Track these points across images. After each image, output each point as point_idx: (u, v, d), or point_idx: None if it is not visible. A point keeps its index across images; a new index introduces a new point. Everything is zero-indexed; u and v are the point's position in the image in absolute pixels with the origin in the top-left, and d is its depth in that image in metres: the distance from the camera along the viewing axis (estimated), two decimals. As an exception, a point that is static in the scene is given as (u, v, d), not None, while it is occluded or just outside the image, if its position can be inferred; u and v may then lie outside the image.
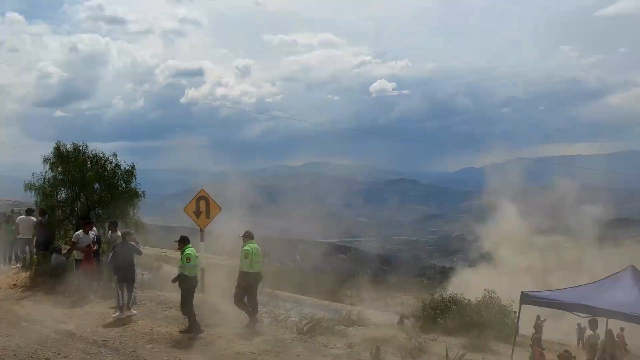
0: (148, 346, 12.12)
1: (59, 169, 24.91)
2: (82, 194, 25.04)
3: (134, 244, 14.26)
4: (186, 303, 12.91)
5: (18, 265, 18.73)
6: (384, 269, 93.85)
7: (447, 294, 24.72)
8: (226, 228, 19.57)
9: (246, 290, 13.32)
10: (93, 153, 25.51)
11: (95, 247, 15.75)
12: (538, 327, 20.58)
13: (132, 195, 25.60)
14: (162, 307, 14.93)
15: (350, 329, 18.65)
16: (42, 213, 19.53)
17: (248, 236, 13.56)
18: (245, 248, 13.32)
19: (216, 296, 15.44)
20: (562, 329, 33.36)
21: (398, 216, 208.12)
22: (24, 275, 17.26)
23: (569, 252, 49.70)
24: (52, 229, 19.65)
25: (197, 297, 13.68)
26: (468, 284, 37.84)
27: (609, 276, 14.25)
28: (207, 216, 16.95)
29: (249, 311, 13.35)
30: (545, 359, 15.10)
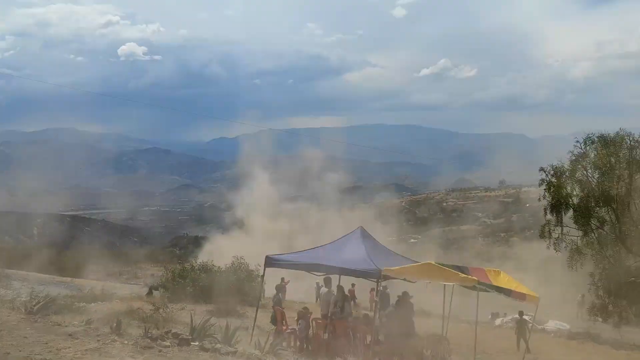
0: None
1: None
2: None
3: None
4: None
5: None
6: (134, 240, 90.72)
7: (197, 263, 24.76)
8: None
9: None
10: None
11: None
12: (280, 287, 21.68)
13: None
14: None
15: (92, 304, 17.53)
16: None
17: None
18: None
19: None
20: (304, 288, 35.92)
21: (149, 186, 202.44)
22: None
23: (312, 216, 53.44)
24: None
25: None
26: (221, 252, 38.47)
27: (341, 237, 15.50)
28: None
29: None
30: (285, 317, 15.95)
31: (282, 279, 25.81)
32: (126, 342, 9.96)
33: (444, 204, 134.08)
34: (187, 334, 10.99)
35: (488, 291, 13.19)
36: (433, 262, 13.44)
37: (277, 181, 57.01)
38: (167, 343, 10.25)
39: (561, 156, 10.17)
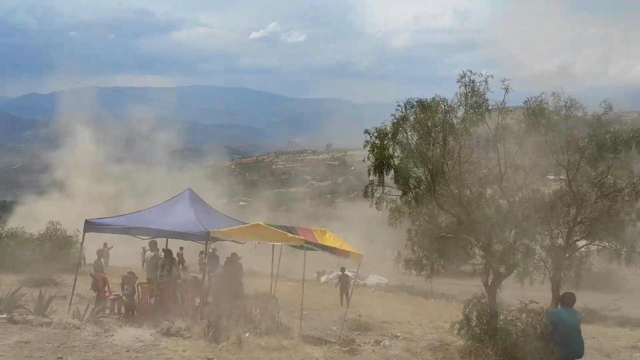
0: None
1: None
2: None
3: None
4: None
5: None
6: None
7: (4, 230, 22.50)
8: None
9: None
10: None
11: None
12: (101, 253, 20.56)
13: None
14: None
15: None
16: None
17: None
18: None
19: None
20: (131, 253, 34.51)
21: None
22: None
23: (141, 178, 51.24)
24: None
25: None
26: (37, 217, 35.40)
27: (169, 199, 14.96)
28: None
29: None
30: (107, 283, 15.16)
31: (105, 244, 24.54)
32: None
33: (274, 167, 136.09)
34: (-8, 307, 9.97)
35: (315, 250, 13.59)
36: (262, 223, 13.51)
37: (102, 141, 53.58)
38: (-33, 317, 9.19)
39: (384, 121, 10.74)
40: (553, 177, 10.97)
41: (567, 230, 10.38)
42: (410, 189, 10.53)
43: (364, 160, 10.58)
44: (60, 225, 24.64)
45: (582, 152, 10.18)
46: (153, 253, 15.41)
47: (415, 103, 10.14)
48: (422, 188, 10.58)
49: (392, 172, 10.43)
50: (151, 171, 52.43)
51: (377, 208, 10.65)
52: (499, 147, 10.06)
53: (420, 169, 10.37)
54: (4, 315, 10.19)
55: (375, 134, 10.31)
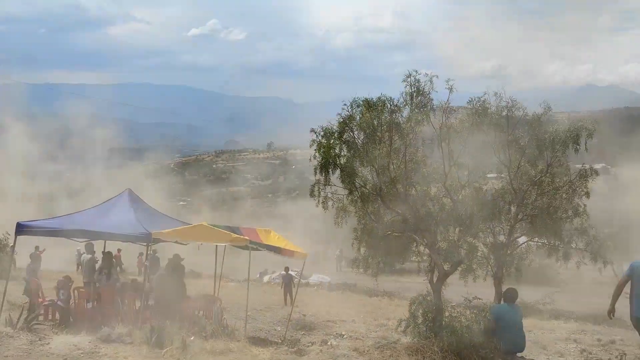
0: None
1: None
2: None
3: None
4: None
5: None
6: None
7: None
8: None
9: None
10: None
11: None
12: (34, 257, 19.67)
13: None
14: None
15: None
16: None
17: None
18: None
19: None
20: (64, 256, 33.27)
21: None
22: None
23: (77, 178, 49.52)
24: None
25: None
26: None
27: (107, 200, 14.46)
28: None
29: None
30: (41, 288, 14.51)
31: (37, 247, 23.54)
32: None
33: (214, 166, 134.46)
34: None
35: (260, 250, 13.43)
36: (205, 223, 13.24)
37: (33, 139, 51.33)
38: None
39: (325, 120, 10.72)
40: (495, 175, 11.24)
41: (508, 227, 10.65)
42: (357, 188, 10.54)
43: (310, 159, 10.52)
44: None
45: (522, 151, 10.47)
46: (89, 256, 14.86)
47: (361, 102, 10.16)
48: (368, 187, 10.61)
49: (338, 171, 10.42)
50: (87, 171, 50.77)
51: (323, 207, 10.61)
52: (443, 146, 10.21)
53: (367, 168, 10.40)
54: None
55: (322, 133, 10.26)
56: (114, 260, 15.41)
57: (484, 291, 11.61)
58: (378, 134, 10.13)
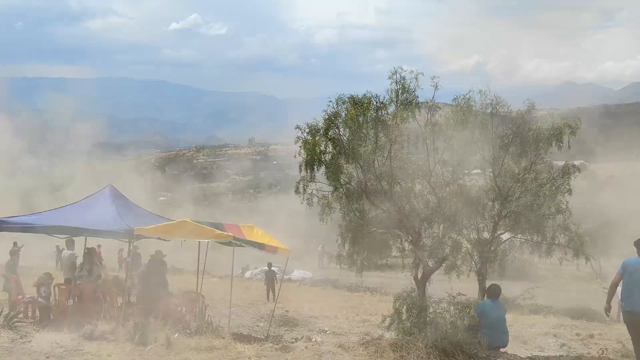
0: None
1: None
2: None
3: None
4: None
5: None
6: None
7: None
8: None
9: None
10: None
11: None
12: (13, 253, 19.43)
13: None
14: None
15: None
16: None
17: None
18: None
19: None
20: (42, 252, 32.86)
21: None
22: None
23: (57, 173, 48.90)
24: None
25: None
26: None
27: (88, 196, 14.29)
28: None
29: None
30: (21, 284, 14.30)
31: (15, 243, 23.24)
32: None
33: (195, 161, 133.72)
34: None
35: (243, 246, 13.39)
36: (189, 220, 13.14)
37: (11, 133, 50.52)
38: None
39: (308, 116, 10.70)
40: (479, 171, 11.32)
41: (492, 224, 10.74)
42: (342, 185, 10.54)
43: (295, 156, 10.49)
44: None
45: (506, 148, 10.56)
46: (70, 252, 14.67)
47: (346, 99, 10.15)
48: (353, 184, 10.62)
49: (323, 168, 10.41)
50: (66, 166, 50.11)
51: (308, 204, 10.60)
52: (428, 143, 10.25)
53: (352, 165, 10.40)
54: None
55: (307, 130, 10.24)
56: (98, 257, 15.25)
57: (468, 287, 11.70)
58: (363, 131, 10.13)
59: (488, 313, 9.90)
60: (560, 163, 11.14)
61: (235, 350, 9.47)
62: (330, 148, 10.22)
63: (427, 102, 10.13)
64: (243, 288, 24.78)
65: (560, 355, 10.43)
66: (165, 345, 9.36)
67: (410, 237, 10.47)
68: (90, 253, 14.36)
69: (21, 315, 12.75)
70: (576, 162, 11.41)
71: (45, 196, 39.83)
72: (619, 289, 8.78)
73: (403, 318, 10.33)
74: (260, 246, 13.58)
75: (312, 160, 10.22)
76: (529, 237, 10.76)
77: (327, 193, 10.73)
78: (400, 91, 9.93)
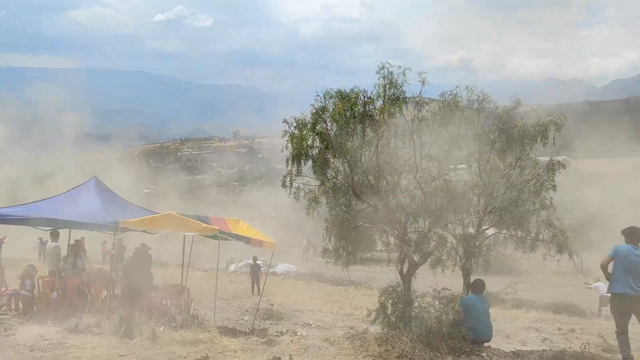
0: None
1: None
2: None
3: None
4: None
5: None
6: None
7: None
8: None
9: None
10: None
11: None
12: (-3, 245, 19.28)
13: None
14: None
15: None
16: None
17: None
18: None
19: None
20: (27, 244, 32.56)
21: None
22: None
23: (39, 165, 48.45)
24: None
25: None
26: None
27: (73, 188, 14.19)
28: None
29: None
30: (4, 277, 14.22)
31: (-4, 234, 22.98)
32: None
33: (179, 154, 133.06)
34: None
35: (229, 239, 13.38)
36: (174, 213, 13.10)
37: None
38: None
39: (293, 110, 10.67)
40: (465, 166, 11.38)
41: (477, 219, 10.82)
42: (328, 179, 10.56)
43: (282, 150, 10.48)
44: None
45: (492, 144, 10.63)
46: (54, 244, 14.57)
47: (334, 93, 10.15)
48: (340, 178, 10.64)
49: (309, 162, 10.41)
50: (50, 158, 49.62)
51: (295, 198, 10.60)
52: (415, 138, 10.29)
53: (339, 160, 10.41)
54: None
55: (294, 124, 10.23)
56: (82, 250, 15.15)
57: (452, 282, 11.81)
58: (351, 125, 10.14)
59: (472, 308, 10.02)
60: (544, 159, 11.24)
61: (221, 343, 9.49)
62: (317, 142, 10.22)
63: (414, 97, 10.16)
64: (228, 281, 24.77)
65: (543, 350, 10.56)
66: (150, 338, 9.36)
67: (396, 232, 10.51)
68: (76, 245, 14.29)
69: (4, 308, 12.67)
70: (559, 158, 11.51)
71: (28, 187, 39.42)
72: (598, 284, 9.17)
73: (388, 312, 10.40)
74: (246, 240, 13.59)
75: (299, 155, 10.22)
76: (513, 233, 10.87)
77: (313, 187, 10.74)
78: (387, 86, 9.94)
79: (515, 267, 33.25)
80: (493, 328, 10.62)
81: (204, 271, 26.83)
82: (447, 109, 10.21)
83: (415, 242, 10.58)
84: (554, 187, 10.56)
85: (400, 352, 8.91)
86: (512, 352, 10.17)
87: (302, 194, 10.70)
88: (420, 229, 10.74)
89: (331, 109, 10.15)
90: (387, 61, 9.96)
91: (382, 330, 10.24)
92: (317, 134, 10.16)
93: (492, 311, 11.16)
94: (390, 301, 10.42)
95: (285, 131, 10.32)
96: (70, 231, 14.57)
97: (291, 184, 10.46)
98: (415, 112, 10.23)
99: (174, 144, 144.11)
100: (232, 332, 12.04)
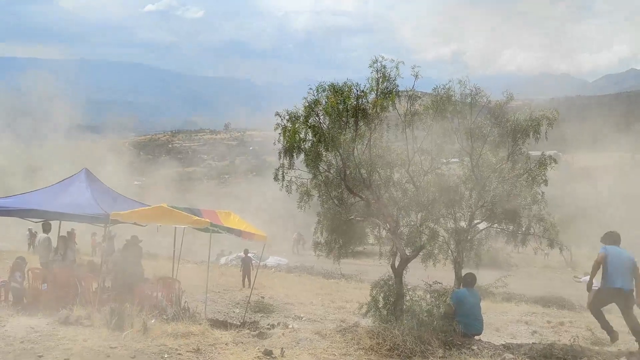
0: None
1: None
2: None
3: None
4: None
5: None
6: None
7: None
8: None
9: None
10: None
11: None
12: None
13: None
14: None
15: None
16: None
17: None
18: None
19: None
20: (16, 235, 32.38)
21: None
22: None
23: (28, 156, 48.11)
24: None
25: None
26: None
27: (63, 180, 14.10)
28: None
29: None
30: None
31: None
32: None
33: (170, 146, 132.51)
34: None
35: (220, 232, 13.35)
36: (165, 205, 13.05)
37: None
38: None
39: (285, 102, 10.64)
40: (457, 160, 11.41)
41: (469, 213, 10.87)
42: (321, 172, 10.55)
43: (274, 143, 10.44)
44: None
45: (484, 138, 10.65)
46: (45, 235, 14.48)
47: (327, 87, 10.13)
48: (332, 172, 10.64)
49: (302, 155, 10.40)
50: (39, 149, 49.29)
51: (287, 191, 10.59)
52: (407, 132, 10.30)
53: (331, 153, 10.41)
54: None
55: (287, 117, 10.20)
56: (74, 241, 15.08)
57: (443, 275, 11.86)
58: (343, 119, 10.13)
59: (464, 301, 10.08)
60: (535, 153, 11.30)
61: (212, 336, 9.48)
62: (310, 135, 10.20)
63: (407, 91, 10.16)
64: (218, 274, 24.74)
65: (532, 343, 10.64)
66: (141, 331, 9.33)
67: (388, 226, 10.53)
68: (69, 237, 14.23)
69: (-5, 299, 12.60)
70: (550, 152, 11.58)
71: (18, 178, 39.16)
72: (586, 278, 9.41)
73: (380, 305, 10.44)
74: (238, 232, 13.56)
75: (291, 148, 10.20)
76: (505, 227, 10.93)
77: (306, 180, 10.73)
78: (380, 80, 9.93)
79: (505, 260, 33.50)
80: (484, 321, 10.69)
81: (195, 264, 26.78)
82: (440, 102, 10.22)
83: (407, 235, 10.62)
84: (545, 182, 10.62)
85: (392, 345, 8.95)
86: (502, 345, 10.24)
87: (294, 187, 10.69)
88: (412, 223, 10.78)
89: (324, 102, 10.12)
90: (381, 55, 9.96)
91: (373, 323, 10.28)
92: (309, 127, 10.14)
93: (483, 304, 11.24)
94: (381, 294, 10.45)
95: (278, 124, 10.29)
96: (60, 223, 14.48)
97: (283, 177, 10.44)
98: (408, 105, 10.23)
99: (165, 135, 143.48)
100: (223, 325, 12.03)
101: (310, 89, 10.24)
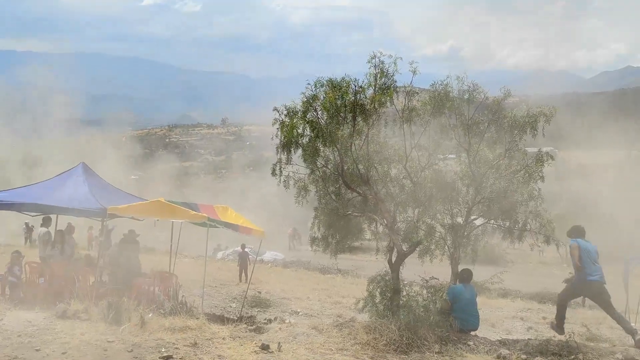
0: None
1: None
2: None
3: None
4: None
5: None
6: None
7: None
8: None
9: None
10: None
11: None
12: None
13: None
14: None
15: None
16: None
17: None
18: None
19: None
20: (13, 229, 32.33)
21: None
22: None
23: (25, 150, 48.01)
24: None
25: None
26: None
27: (60, 174, 14.07)
28: None
29: None
30: (-9, 263, 14.06)
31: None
32: None
33: (167, 140, 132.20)
34: None
35: (217, 227, 13.37)
36: (163, 199, 13.05)
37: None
38: None
39: (282, 97, 10.67)
40: (454, 156, 11.44)
41: (466, 209, 10.90)
42: (318, 167, 10.57)
43: (272, 138, 10.45)
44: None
45: (482, 135, 10.67)
46: (45, 229, 14.47)
47: (325, 82, 10.13)
48: (329, 167, 10.66)
49: (299, 150, 10.41)
50: (35, 143, 49.22)
51: (284, 186, 10.61)
52: (405, 128, 10.32)
53: (329, 148, 10.42)
54: None
55: (285, 112, 10.21)
56: (73, 236, 15.07)
57: (439, 271, 11.91)
58: (341, 114, 10.14)
59: (460, 297, 10.13)
60: (532, 150, 11.33)
61: (210, 330, 9.50)
62: (307, 131, 10.21)
63: (405, 87, 10.18)
64: (215, 269, 24.77)
65: (528, 339, 10.70)
66: (139, 325, 9.34)
67: (385, 221, 10.56)
68: (67, 231, 14.23)
69: (-8, 292, 12.57)
70: (546, 149, 11.61)
71: (16, 171, 39.11)
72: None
73: (376, 301, 10.49)
74: (235, 227, 13.58)
75: (289, 143, 10.21)
76: (501, 223, 10.96)
77: (303, 176, 10.75)
78: (378, 75, 9.94)
79: (501, 256, 33.62)
80: (479, 317, 10.74)
81: (192, 258, 26.80)
82: (438, 99, 10.24)
83: (404, 231, 10.66)
84: (542, 178, 10.64)
85: (388, 340, 8.98)
86: (498, 340, 10.30)
87: (291, 182, 10.71)
88: (409, 219, 10.81)
89: (322, 98, 10.13)
90: (379, 50, 9.96)
91: (370, 318, 10.33)
92: (307, 123, 10.15)
93: (479, 300, 11.29)
94: (378, 290, 10.50)
95: (276, 119, 10.29)
96: (57, 217, 14.47)
97: (281, 172, 10.45)
98: (406, 101, 10.24)
99: (162, 130, 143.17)
100: (220, 319, 12.06)
101: (309, 84, 10.24)
